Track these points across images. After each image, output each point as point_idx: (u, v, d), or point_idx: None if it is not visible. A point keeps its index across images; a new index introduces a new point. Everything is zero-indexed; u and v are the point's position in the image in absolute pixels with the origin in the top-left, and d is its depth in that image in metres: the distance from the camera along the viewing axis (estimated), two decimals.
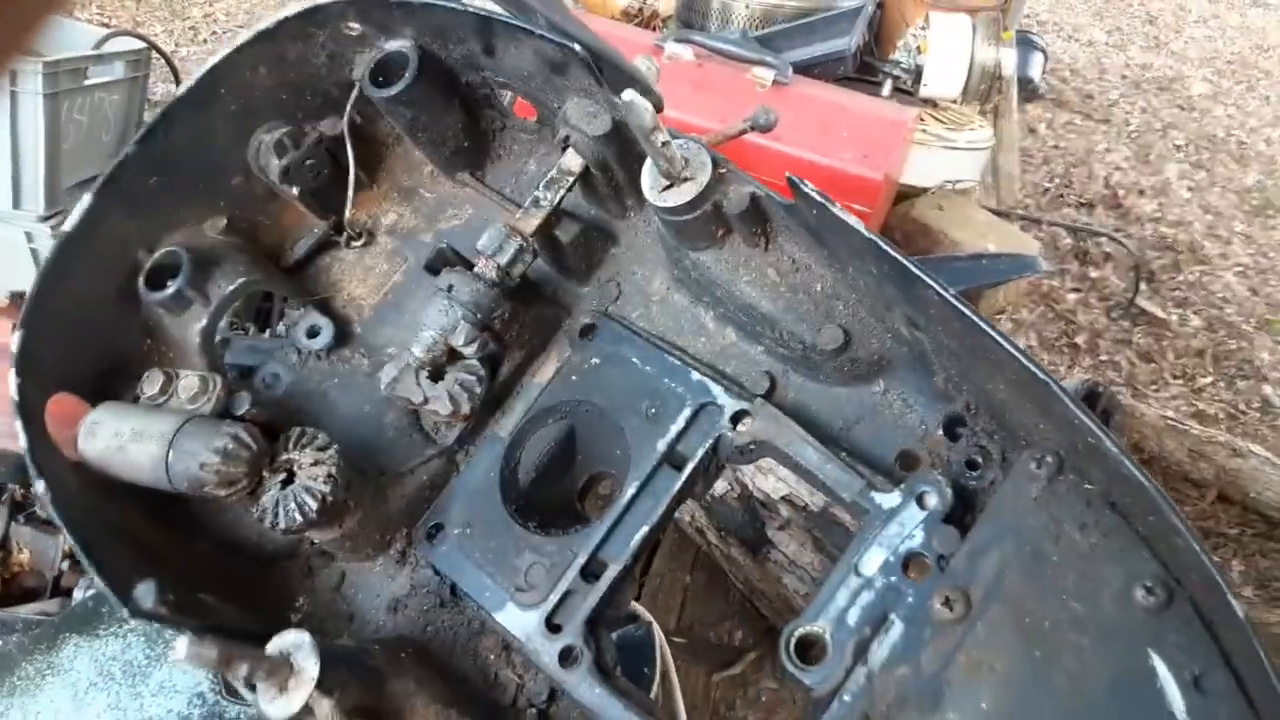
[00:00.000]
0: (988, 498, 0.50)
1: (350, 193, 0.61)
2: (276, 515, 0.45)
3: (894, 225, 1.67)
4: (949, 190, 1.74)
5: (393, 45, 0.59)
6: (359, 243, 0.62)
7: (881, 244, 0.50)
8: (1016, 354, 0.48)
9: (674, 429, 0.53)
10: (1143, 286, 3.25)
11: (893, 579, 0.48)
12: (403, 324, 0.57)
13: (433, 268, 0.58)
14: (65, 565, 0.86)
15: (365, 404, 0.54)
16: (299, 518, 0.45)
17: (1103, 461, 0.47)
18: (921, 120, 1.67)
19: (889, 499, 0.51)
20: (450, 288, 0.53)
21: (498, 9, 0.58)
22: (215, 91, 0.57)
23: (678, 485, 0.52)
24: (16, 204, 1.92)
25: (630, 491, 0.51)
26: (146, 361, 0.54)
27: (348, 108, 0.60)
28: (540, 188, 0.57)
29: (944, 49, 1.73)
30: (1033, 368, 0.48)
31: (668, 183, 0.54)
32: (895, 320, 0.54)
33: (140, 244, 0.55)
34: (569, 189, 0.57)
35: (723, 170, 0.57)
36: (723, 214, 0.55)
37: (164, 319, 0.55)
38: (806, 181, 0.55)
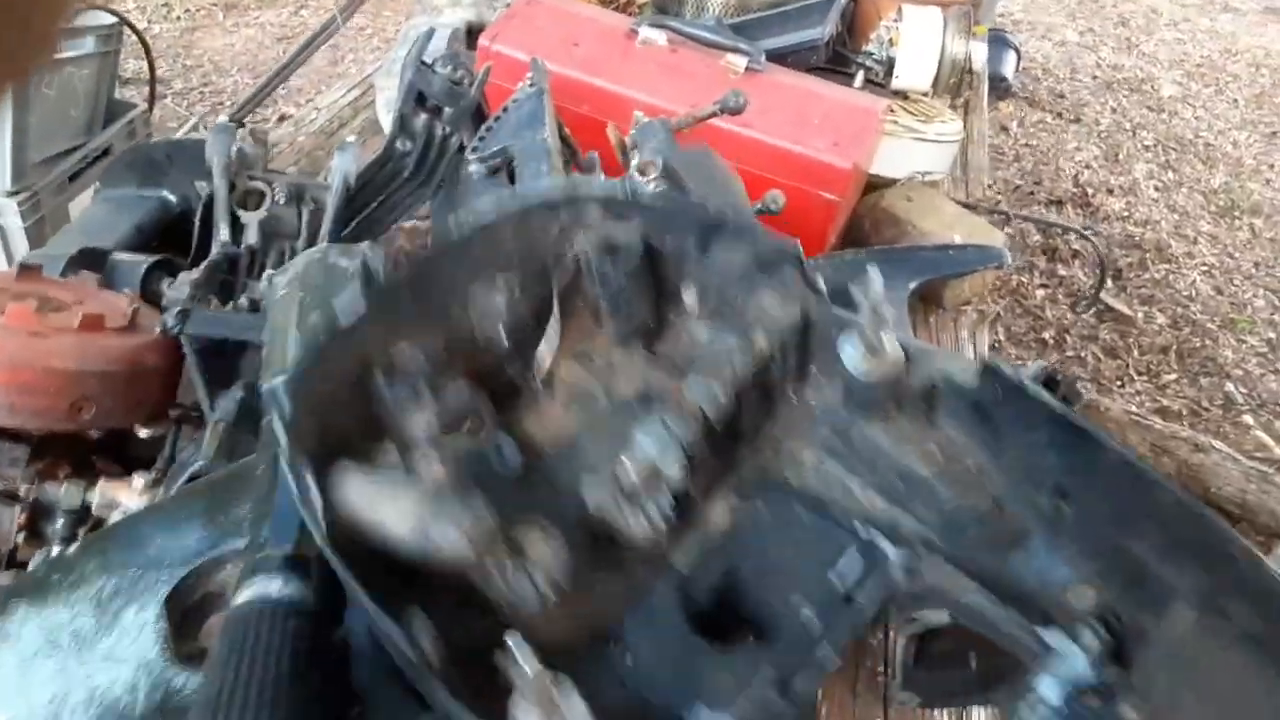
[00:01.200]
0: (1136, 641, 0.53)
1: (554, 341, 0.65)
2: (509, 585, 0.50)
3: (863, 214, 1.68)
4: (918, 181, 1.75)
5: (619, 230, 0.65)
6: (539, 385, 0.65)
7: (1072, 419, 0.56)
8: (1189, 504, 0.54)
9: (847, 571, 0.57)
10: (1109, 284, 3.29)
11: (1075, 705, 0.51)
12: (575, 460, 0.60)
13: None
14: (20, 538, 0.85)
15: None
16: (531, 590, 0.50)
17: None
18: (892, 111, 1.67)
19: (1052, 636, 0.53)
20: (665, 424, 0.56)
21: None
22: (474, 241, 0.63)
23: (854, 621, 0.55)
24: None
25: (809, 619, 0.54)
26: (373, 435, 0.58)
27: (558, 292, 0.66)
28: (735, 357, 0.61)
29: (916, 41, 1.73)
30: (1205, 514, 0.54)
31: (870, 356, 0.58)
32: (1039, 494, 0.59)
33: (380, 343, 0.58)
34: (759, 356, 0.62)
35: (910, 349, 0.61)
36: (901, 391, 0.60)
37: (392, 410, 0.57)
38: (1004, 366, 0.60)
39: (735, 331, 0.62)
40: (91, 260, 1.15)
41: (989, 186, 2.06)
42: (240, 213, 1.07)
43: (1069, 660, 0.51)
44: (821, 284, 0.63)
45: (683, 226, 0.64)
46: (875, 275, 0.58)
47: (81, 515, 0.84)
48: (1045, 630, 0.52)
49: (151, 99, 2.25)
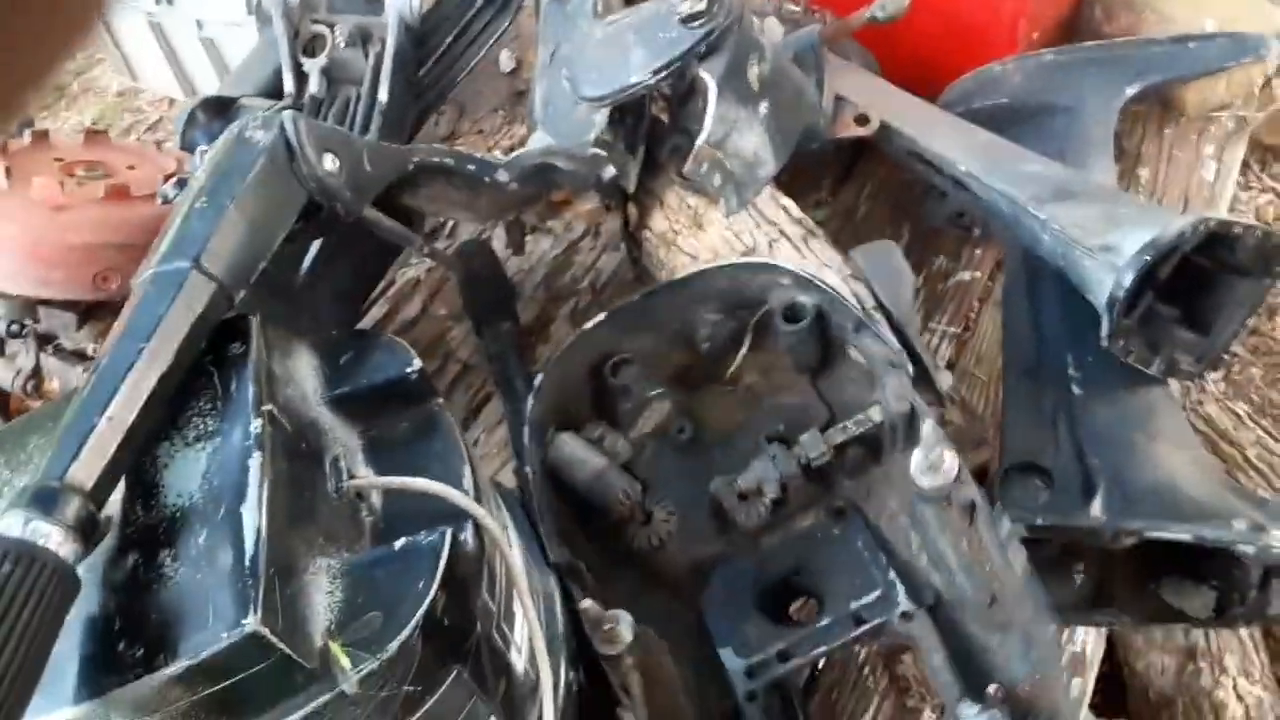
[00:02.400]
0: None
1: (741, 356, 0.88)
2: (637, 538, 0.81)
3: None
4: None
5: (804, 297, 0.83)
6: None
7: None
8: None
9: (867, 599, 0.76)
10: None
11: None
12: (725, 450, 0.85)
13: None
14: None
15: (693, 489, 0.83)
16: (649, 544, 0.80)
17: None
18: None
19: (969, 709, 0.70)
20: (775, 457, 0.79)
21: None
22: (688, 284, 0.86)
23: (852, 635, 0.75)
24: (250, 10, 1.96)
25: (823, 623, 0.76)
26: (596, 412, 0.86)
27: (753, 323, 0.86)
28: (850, 422, 0.80)
29: None
30: None
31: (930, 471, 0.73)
32: (1025, 606, 0.73)
33: (615, 342, 0.85)
34: (869, 426, 0.79)
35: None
36: (953, 497, 0.74)
37: (613, 396, 0.85)
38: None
39: (867, 399, 0.81)
40: (218, 108, 1.18)
41: None
42: (303, 60, 1.03)
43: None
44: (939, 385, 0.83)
45: (843, 314, 0.81)
46: (930, 425, 0.72)
47: None
48: (967, 704, 0.69)
49: None
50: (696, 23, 0.82)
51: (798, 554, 0.81)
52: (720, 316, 0.85)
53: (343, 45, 1.04)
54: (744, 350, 0.85)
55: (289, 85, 1.04)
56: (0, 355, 0.94)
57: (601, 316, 0.85)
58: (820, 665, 0.86)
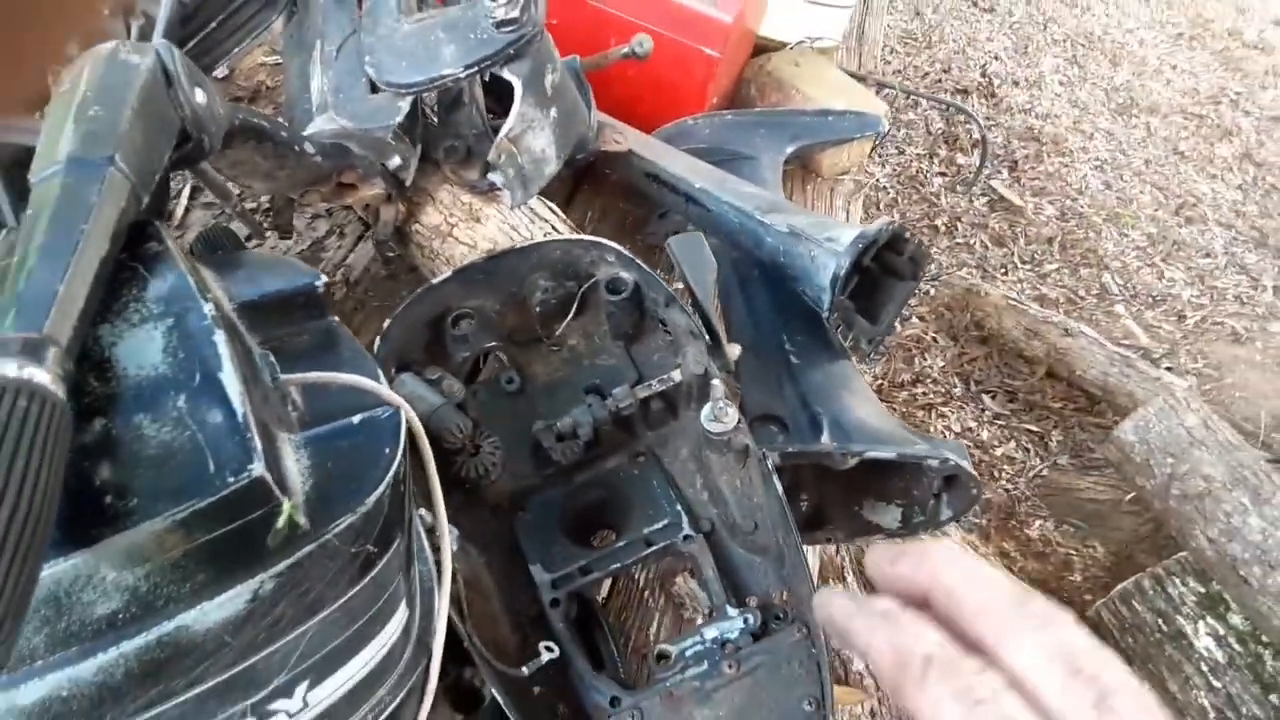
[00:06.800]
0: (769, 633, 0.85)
1: (567, 320, 0.98)
2: (466, 468, 0.87)
3: (749, 77, 1.65)
4: (808, 47, 1.72)
5: (623, 274, 0.95)
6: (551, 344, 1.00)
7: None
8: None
9: (657, 525, 0.89)
10: (1004, 174, 3.33)
11: (718, 650, 0.83)
12: (548, 398, 0.96)
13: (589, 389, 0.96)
14: None
15: (517, 430, 0.92)
16: (476, 473, 0.87)
17: None
18: None
19: (734, 611, 0.85)
20: (590, 405, 0.91)
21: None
22: (528, 252, 0.95)
23: (643, 554, 0.88)
24: None
25: (618, 545, 0.88)
26: (431, 357, 0.95)
27: (580, 292, 0.97)
28: (655, 381, 0.93)
29: None
30: None
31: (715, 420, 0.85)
32: (778, 534, 0.89)
33: (457, 297, 0.94)
34: (670, 385, 0.92)
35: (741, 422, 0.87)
36: (730, 443, 0.87)
37: (450, 345, 0.95)
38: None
39: (670, 363, 0.94)
40: None
41: (881, 60, 2.04)
42: None
43: (731, 623, 0.84)
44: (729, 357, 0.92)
45: (657, 289, 0.93)
46: (718, 384, 0.86)
47: None
48: (734, 607, 0.85)
49: None
50: (508, 28, 0.93)
51: (603, 489, 0.93)
52: (553, 283, 0.95)
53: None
54: (570, 316, 0.96)
55: None
56: None
57: (448, 274, 0.92)
58: (611, 586, 0.98)
